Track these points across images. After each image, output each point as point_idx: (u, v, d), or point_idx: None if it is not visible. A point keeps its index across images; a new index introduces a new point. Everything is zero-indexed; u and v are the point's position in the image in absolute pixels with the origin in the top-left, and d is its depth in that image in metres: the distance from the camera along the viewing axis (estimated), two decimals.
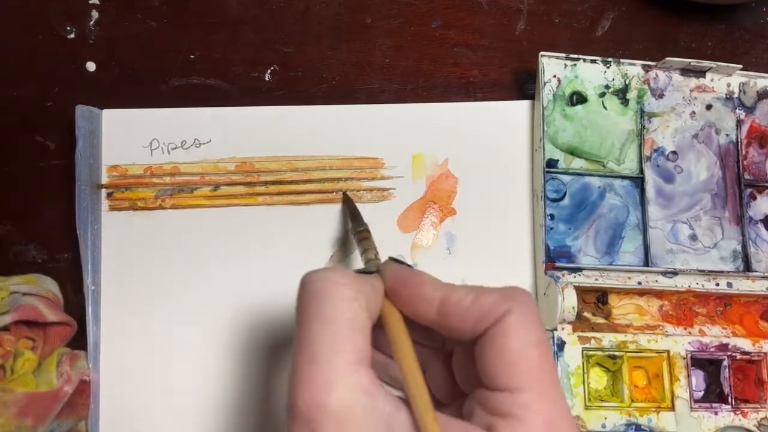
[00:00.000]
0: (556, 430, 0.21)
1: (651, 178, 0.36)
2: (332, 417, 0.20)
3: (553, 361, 0.23)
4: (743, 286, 0.35)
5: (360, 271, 0.25)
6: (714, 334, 0.35)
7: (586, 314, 0.34)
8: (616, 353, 0.33)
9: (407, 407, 0.21)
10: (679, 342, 0.34)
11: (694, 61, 0.37)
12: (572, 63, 0.36)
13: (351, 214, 0.34)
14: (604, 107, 0.37)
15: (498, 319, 0.22)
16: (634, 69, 0.37)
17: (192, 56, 0.37)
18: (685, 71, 0.38)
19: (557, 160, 0.36)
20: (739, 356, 0.34)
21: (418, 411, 0.21)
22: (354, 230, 0.31)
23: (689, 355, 0.34)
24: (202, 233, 0.35)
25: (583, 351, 0.33)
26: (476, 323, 0.23)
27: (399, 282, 0.24)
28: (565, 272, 0.34)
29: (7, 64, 0.36)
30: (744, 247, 0.37)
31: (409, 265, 0.26)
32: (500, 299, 0.23)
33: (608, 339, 0.33)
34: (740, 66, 0.37)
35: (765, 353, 0.35)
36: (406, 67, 0.38)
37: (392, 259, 0.26)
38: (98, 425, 0.33)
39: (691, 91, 0.38)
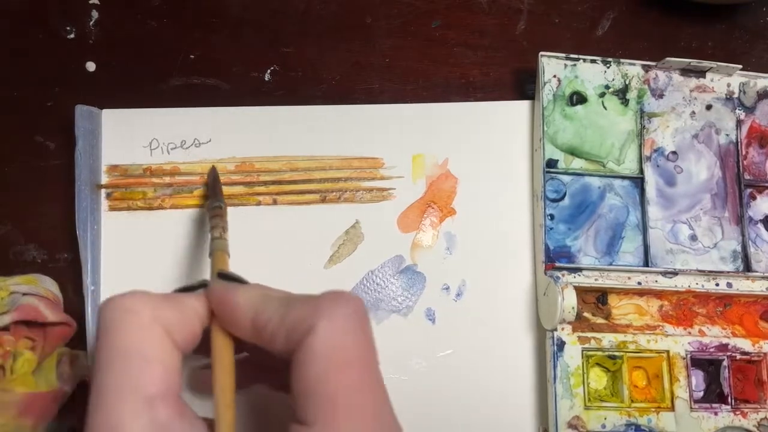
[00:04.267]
0: None
1: (651, 179, 0.36)
2: None
3: (374, 382, 0.20)
4: (743, 286, 0.35)
5: (183, 289, 0.24)
6: (714, 335, 0.35)
7: (586, 314, 0.34)
8: (616, 353, 0.33)
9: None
10: (679, 342, 0.34)
11: (694, 61, 0.37)
12: (572, 63, 0.36)
13: (212, 189, 0.33)
14: (604, 107, 0.37)
15: (302, 338, 0.20)
16: (634, 69, 0.37)
17: (192, 56, 0.37)
18: (685, 71, 0.38)
19: (557, 160, 0.36)
20: (738, 356, 0.34)
21: None
22: (209, 205, 0.31)
23: (689, 356, 0.34)
24: (202, 233, 0.35)
25: (582, 351, 0.33)
26: (286, 345, 0.20)
27: (215, 303, 0.23)
28: (564, 272, 0.34)
29: (7, 64, 0.36)
30: (744, 247, 0.37)
31: (240, 280, 0.24)
32: (307, 313, 0.20)
33: (608, 339, 0.33)
34: (740, 66, 0.37)
35: (765, 353, 0.35)
36: (406, 67, 0.38)
37: (220, 275, 0.24)
38: None
39: (691, 91, 0.38)
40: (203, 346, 0.23)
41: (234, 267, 0.35)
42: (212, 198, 0.32)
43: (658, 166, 0.37)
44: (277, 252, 0.35)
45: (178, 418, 0.20)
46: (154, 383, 0.20)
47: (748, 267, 0.36)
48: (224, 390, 0.21)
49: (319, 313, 0.20)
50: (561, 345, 0.33)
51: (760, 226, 0.37)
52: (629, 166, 0.36)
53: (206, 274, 0.35)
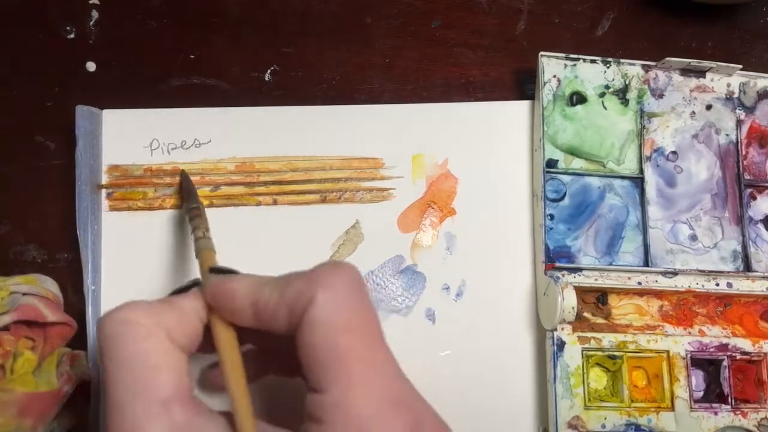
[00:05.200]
0: (377, 430, 0.19)
1: (651, 179, 0.36)
2: None
3: (378, 342, 0.20)
4: (743, 286, 0.35)
5: (178, 290, 0.24)
6: (714, 335, 0.35)
7: (586, 314, 0.34)
8: (616, 353, 0.33)
9: (233, 427, 0.20)
10: (679, 342, 0.34)
11: (694, 61, 0.37)
12: (572, 63, 0.36)
13: (186, 191, 0.33)
14: (604, 107, 0.37)
15: (304, 310, 0.20)
16: (634, 69, 0.37)
17: (192, 56, 0.37)
18: (685, 71, 0.38)
19: (557, 160, 0.36)
20: (739, 356, 0.34)
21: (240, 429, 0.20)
22: (187, 208, 0.31)
23: (689, 355, 0.34)
24: None
25: (582, 351, 0.33)
26: (289, 321, 0.21)
27: (212, 295, 0.23)
28: (564, 272, 0.34)
29: (7, 64, 0.36)
30: (744, 247, 0.37)
31: (232, 271, 0.24)
32: (305, 286, 0.21)
33: (608, 339, 0.33)
34: (740, 66, 0.37)
35: (765, 353, 0.35)
36: (406, 67, 0.38)
37: (212, 270, 0.25)
38: (98, 425, 0.33)
39: (691, 91, 0.38)
40: (207, 346, 0.23)
41: (234, 267, 0.35)
42: (188, 200, 0.32)
43: (658, 166, 0.37)
44: (277, 252, 0.35)
45: (195, 416, 0.20)
46: (165, 388, 0.20)
47: (748, 267, 0.36)
48: (236, 379, 0.21)
49: (317, 284, 0.20)
50: (561, 345, 0.33)
51: (760, 226, 0.37)
52: (629, 166, 0.36)
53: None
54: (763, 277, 0.36)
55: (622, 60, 0.37)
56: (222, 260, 0.35)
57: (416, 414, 0.21)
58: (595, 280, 0.34)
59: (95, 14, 0.37)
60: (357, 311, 0.20)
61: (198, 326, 0.23)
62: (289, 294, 0.21)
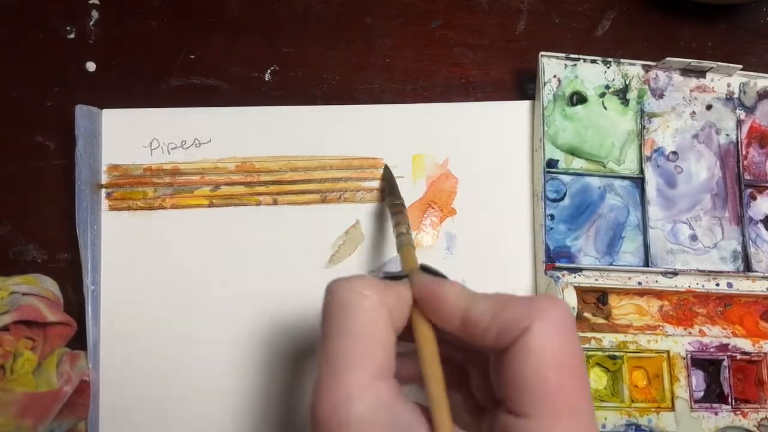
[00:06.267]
0: None
1: (651, 179, 0.36)
2: (351, 430, 0.20)
3: (583, 384, 0.21)
4: (743, 286, 0.35)
5: (388, 277, 0.25)
6: (714, 335, 0.35)
7: (587, 314, 0.34)
8: (616, 353, 0.33)
9: (428, 419, 0.21)
10: (679, 342, 0.34)
11: (694, 61, 0.37)
12: (572, 63, 0.36)
13: (389, 187, 0.34)
14: (605, 107, 0.37)
15: (517, 336, 0.21)
16: (634, 69, 0.37)
17: (192, 56, 0.37)
18: (686, 71, 0.38)
19: (557, 160, 0.36)
20: (739, 356, 0.34)
21: (436, 425, 0.21)
22: (389, 203, 0.32)
23: (689, 356, 0.34)
24: (202, 233, 0.35)
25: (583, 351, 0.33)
26: (497, 340, 0.22)
27: (422, 294, 0.24)
28: (565, 272, 0.34)
29: (8, 64, 0.36)
30: (744, 247, 0.37)
31: (440, 274, 0.25)
32: (522, 314, 0.21)
33: (608, 339, 0.33)
34: (740, 66, 0.37)
35: (765, 353, 0.35)
36: (406, 67, 0.38)
37: (422, 268, 0.26)
38: (98, 425, 0.33)
39: (691, 91, 0.38)
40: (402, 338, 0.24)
41: (234, 267, 0.35)
42: (391, 196, 0.33)
43: (658, 166, 0.37)
44: (277, 252, 0.35)
45: (397, 397, 0.21)
46: (378, 362, 0.21)
47: (748, 267, 0.36)
48: (434, 375, 0.22)
49: (535, 315, 0.21)
50: None
51: (761, 226, 0.37)
52: (629, 166, 0.36)
53: (209, 274, 0.35)
54: (763, 277, 0.36)
55: (622, 60, 0.37)
56: (222, 260, 0.35)
57: None
58: (596, 280, 0.34)
59: (95, 14, 0.37)
60: (571, 349, 0.21)
61: (407, 314, 0.24)
62: (505, 316, 0.22)
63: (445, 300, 0.23)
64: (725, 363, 0.34)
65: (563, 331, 0.21)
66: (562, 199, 0.36)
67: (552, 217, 0.35)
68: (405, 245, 0.28)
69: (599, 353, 0.33)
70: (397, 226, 0.29)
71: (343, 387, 0.20)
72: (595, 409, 0.23)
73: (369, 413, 0.20)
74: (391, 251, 0.36)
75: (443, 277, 0.25)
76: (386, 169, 0.36)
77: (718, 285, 0.35)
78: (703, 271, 0.35)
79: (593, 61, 0.37)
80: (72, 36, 0.37)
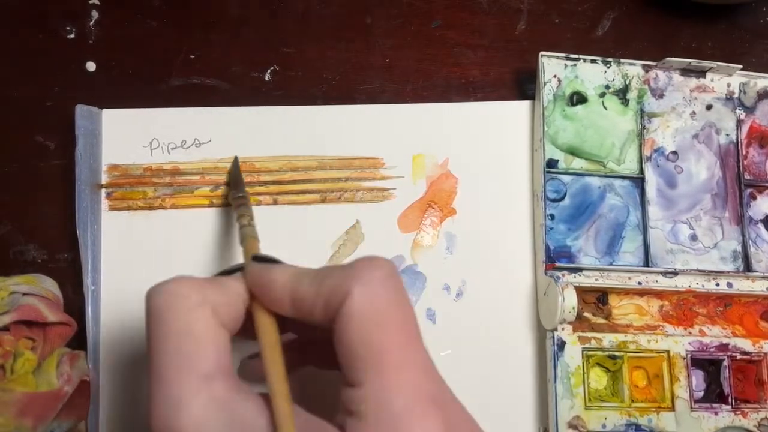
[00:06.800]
0: (410, 426, 0.19)
1: (651, 179, 0.36)
2: None
3: (411, 337, 0.20)
4: (743, 286, 0.35)
5: (223, 272, 0.25)
6: (714, 335, 0.35)
7: (587, 314, 0.34)
8: (616, 353, 0.33)
9: (270, 409, 0.20)
10: (679, 342, 0.34)
11: (694, 61, 0.37)
12: (572, 63, 0.36)
13: (234, 179, 0.34)
14: (605, 107, 0.37)
15: (340, 304, 0.20)
16: (634, 69, 0.37)
17: (192, 56, 0.37)
18: (686, 71, 0.38)
19: (557, 160, 0.36)
20: (739, 356, 0.34)
21: (275, 413, 0.20)
22: (232, 196, 0.31)
23: (689, 355, 0.34)
24: (202, 233, 0.35)
25: (583, 351, 0.33)
26: (325, 313, 0.21)
27: (253, 283, 0.23)
28: (565, 272, 0.34)
29: (8, 64, 0.36)
30: (744, 247, 0.37)
31: (275, 261, 0.25)
32: (342, 280, 0.20)
33: (608, 339, 0.33)
34: (740, 66, 0.37)
35: (765, 353, 0.35)
36: (406, 67, 0.38)
37: (255, 258, 0.25)
38: (98, 425, 0.33)
39: (691, 91, 0.38)
40: (249, 332, 0.24)
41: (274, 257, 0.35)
42: (234, 189, 0.32)
43: (658, 166, 0.37)
44: (277, 252, 0.35)
45: (235, 393, 0.20)
46: (208, 362, 0.20)
47: (748, 267, 0.36)
48: (273, 361, 0.21)
49: (354, 278, 0.20)
50: (561, 345, 0.33)
51: (761, 226, 0.37)
52: (629, 166, 0.36)
53: (207, 273, 0.35)
54: (763, 277, 0.36)
55: (622, 60, 0.37)
56: (222, 260, 0.35)
57: (450, 414, 0.21)
58: (596, 280, 0.34)
59: (95, 14, 0.37)
60: (393, 307, 0.20)
61: (241, 308, 0.23)
62: (326, 286, 0.21)
63: (273, 284, 0.22)
64: (725, 363, 0.34)
65: (384, 290, 0.20)
66: (562, 199, 0.36)
67: (552, 217, 0.35)
68: (247, 237, 0.28)
69: (599, 353, 0.33)
70: (239, 218, 0.29)
71: (172, 394, 0.20)
72: (433, 361, 0.21)
73: (203, 415, 0.19)
74: (391, 251, 0.36)
75: (278, 262, 0.25)
76: (234, 161, 0.35)
77: (718, 285, 0.35)
78: (703, 271, 0.35)
79: (593, 61, 0.37)
80: (72, 36, 0.37)
